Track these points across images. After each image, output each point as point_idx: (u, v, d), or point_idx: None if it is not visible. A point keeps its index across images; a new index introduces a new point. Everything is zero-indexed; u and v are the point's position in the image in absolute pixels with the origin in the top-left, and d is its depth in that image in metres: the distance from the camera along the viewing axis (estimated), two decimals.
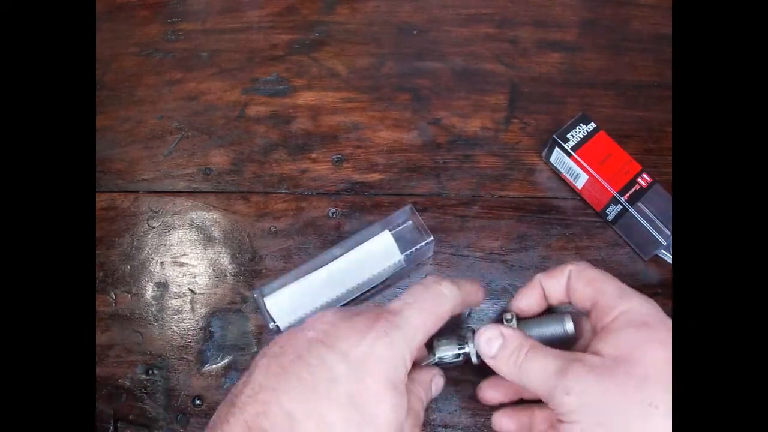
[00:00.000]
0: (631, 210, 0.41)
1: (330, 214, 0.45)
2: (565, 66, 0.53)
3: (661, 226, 0.41)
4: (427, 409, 0.38)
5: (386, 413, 0.27)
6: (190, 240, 0.45)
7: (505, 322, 0.35)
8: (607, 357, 0.28)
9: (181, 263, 0.44)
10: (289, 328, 0.34)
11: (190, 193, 0.47)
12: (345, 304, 0.41)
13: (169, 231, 0.45)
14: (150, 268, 0.44)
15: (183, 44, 0.55)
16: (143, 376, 0.40)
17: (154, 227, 0.46)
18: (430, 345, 0.35)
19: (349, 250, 0.40)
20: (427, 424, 0.38)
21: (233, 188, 0.47)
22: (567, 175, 0.45)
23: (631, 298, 0.31)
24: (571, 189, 0.46)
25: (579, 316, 0.35)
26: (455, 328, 0.37)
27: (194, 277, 0.43)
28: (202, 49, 0.55)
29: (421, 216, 0.42)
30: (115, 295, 0.43)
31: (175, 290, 0.43)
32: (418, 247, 0.40)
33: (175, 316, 0.42)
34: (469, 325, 0.37)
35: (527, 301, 0.36)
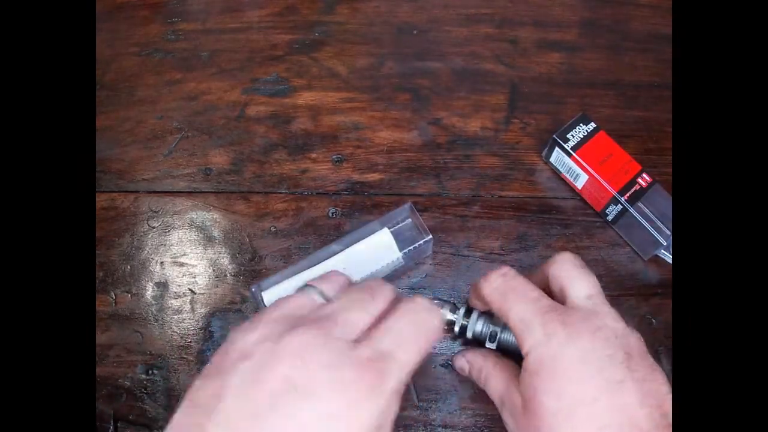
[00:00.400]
0: (631, 210, 0.41)
1: (330, 214, 0.45)
2: (565, 66, 0.53)
3: (661, 226, 0.41)
4: (427, 409, 0.39)
5: None
6: (190, 240, 0.45)
7: (488, 343, 0.37)
8: (523, 398, 0.30)
9: (181, 263, 0.44)
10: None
11: (190, 193, 0.47)
12: None
13: (169, 231, 0.45)
14: (150, 268, 0.44)
15: (183, 44, 0.55)
16: (143, 376, 0.40)
17: (154, 227, 0.46)
18: None
19: (348, 247, 0.40)
20: (427, 424, 0.38)
21: (233, 188, 0.47)
22: (567, 175, 0.45)
23: (531, 332, 0.30)
24: (571, 189, 0.46)
25: None
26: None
27: (194, 277, 0.43)
28: (202, 49, 0.55)
29: (421, 216, 0.42)
30: (115, 295, 0.43)
31: (175, 290, 0.43)
32: (416, 245, 0.40)
33: (175, 316, 0.42)
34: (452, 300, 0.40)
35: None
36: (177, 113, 0.51)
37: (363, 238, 0.41)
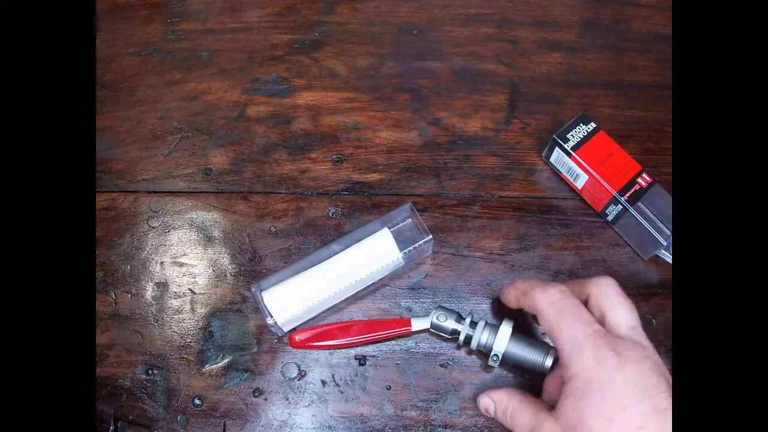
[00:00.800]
0: (631, 210, 0.41)
1: (330, 214, 0.45)
2: (565, 66, 0.53)
3: (661, 226, 0.41)
4: (427, 409, 0.39)
5: None
6: (190, 240, 0.45)
7: (491, 361, 0.37)
8: (561, 425, 0.30)
9: (181, 263, 0.44)
10: (286, 323, 0.31)
11: (190, 193, 0.47)
12: (343, 301, 0.41)
13: (169, 231, 0.45)
14: (150, 268, 0.44)
15: (183, 44, 0.55)
16: (143, 376, 0.40)
17: (154, 227, 0.46)
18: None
19: (348, 247, 0.41)
20: (427, 424, 0.38)
21: (233, 188, 0.47)
22: (567, 175, 0.45)
23: (580, 355, 0.30)
24: (571, 189, 0.46)
25: None
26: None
27: (194, 277, 0.43)
28: (202, 49, 0.55)
29: (421, 216, 0.42)
30: (115, 295, 0.43)
31: (175, 290, 0.43)
32: (417, 245, 0.40)
33: (175, 316, 0.42)
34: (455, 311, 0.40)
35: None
36: (177, 113, 0.51)
37: (363, 238, 0.41)
